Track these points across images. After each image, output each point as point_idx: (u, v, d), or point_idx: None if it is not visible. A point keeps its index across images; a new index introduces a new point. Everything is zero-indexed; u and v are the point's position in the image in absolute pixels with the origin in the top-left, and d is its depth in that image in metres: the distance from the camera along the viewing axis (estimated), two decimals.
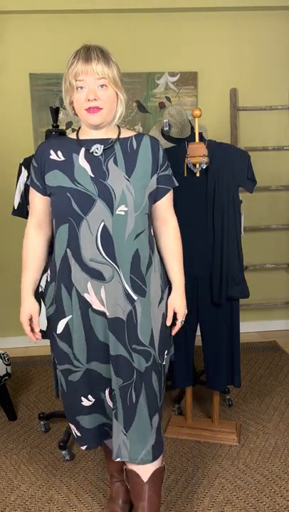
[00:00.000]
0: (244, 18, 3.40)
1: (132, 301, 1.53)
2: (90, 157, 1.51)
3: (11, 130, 3.37)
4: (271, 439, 2.36)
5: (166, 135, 2.44)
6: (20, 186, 2.21)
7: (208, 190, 2.10)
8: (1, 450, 2.34)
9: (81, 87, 1.46)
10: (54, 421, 2.56)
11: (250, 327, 3.75)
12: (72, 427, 1.71)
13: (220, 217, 2.11)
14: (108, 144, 1.52)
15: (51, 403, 2.78)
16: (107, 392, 1.62)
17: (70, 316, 1.56)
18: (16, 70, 3.31)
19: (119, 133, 1.56)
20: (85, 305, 1.54)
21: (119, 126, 1.59)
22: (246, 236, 3.39)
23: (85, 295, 1.53)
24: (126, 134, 1.58)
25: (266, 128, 3.56)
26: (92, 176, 1.49)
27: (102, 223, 1.47)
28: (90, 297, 1.53)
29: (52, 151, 1.54)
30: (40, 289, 2.26)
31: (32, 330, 1.63)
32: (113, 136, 1.55)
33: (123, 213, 1.47)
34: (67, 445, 2.27)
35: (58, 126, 2.29)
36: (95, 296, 1.52)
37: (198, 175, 2.09)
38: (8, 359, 2.53)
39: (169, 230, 1.64)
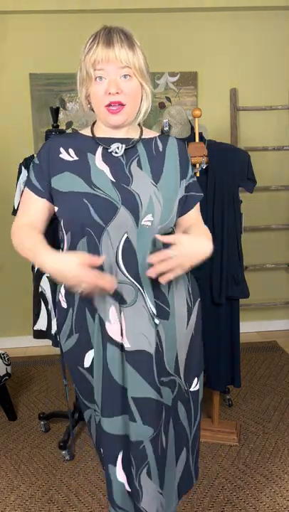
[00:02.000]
0: (244, 18, 3.40)
1: (155, 327, 1.29)
2: (108, 158, 1.28)
3: (11, 130, 3.37)
4: (271, 439, 2.36)
5: (166, 135, 2.44)
6: (21, 186, 2.21)
7: (208, 190, 2.10)
8: (1, 450, 2.34)
9: (100, 78, 1.21)
10: (54, 421, 2.56)
11: (250, 327, 3.75)
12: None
13: (220, 217, 2.11)
14: (130, 144, 1.30)
15: (51, 403, 2.78)
16: (119, 460, 1.32)
17: (93, 351, 1.31)
18: (16, 70, 3.31)
19: (142, 132, 1.34)
20: (105, 339, 1.28)
21: (141, 126, 1.36)
22: (246, 236, 3.39)
23: (107, 325, 1.27)
24: (149, 134, 1.36)
25: (266, 128, 3.56)
26: (113, 180, 1.25)
27: (125, 235, 1.23)
28: (111, 327, 1.27)
29: (62, 149, 1.30)
30: (40, 289, 2.27)
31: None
32: (135, 135, 1.32)
33: (149, 224, 1.24)
34: (67, 445, 2.27)
35: (58, 126, 2.29)
36: (117, 325, 1.26)
37: (198, 175, 2.09)
38: (8, 359, 2.53)
39: (198, 231, 1.36)
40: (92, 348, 1.32)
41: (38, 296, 2.26)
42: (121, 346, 1.27)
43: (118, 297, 1.25)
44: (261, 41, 3.45)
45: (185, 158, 1.36)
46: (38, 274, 2.23)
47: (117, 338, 1.27)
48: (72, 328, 1.34)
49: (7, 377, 2.51)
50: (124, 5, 3.23)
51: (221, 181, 2.09)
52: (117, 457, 1.32)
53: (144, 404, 1.28)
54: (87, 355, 1.33)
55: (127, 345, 1.27)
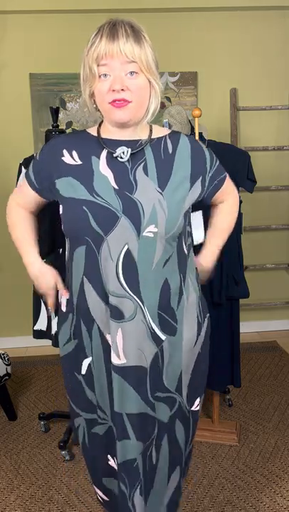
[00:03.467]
0: (244, 18, 3.40)
1: (158, 342, 1.24)
2: (113, 162, 1.20)
3: (11, 130, 3.37)
4: (271, 439, 2.36)
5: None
6: None
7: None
8: (1, 450, 2.34)
9: (104, 75, 1.12)
10: (54, 421, 2.56)
11: (250, 327, 3.75)
12: (97, 490, 1.43)
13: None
14: (137, 148, 1.21)
15: (51, 403, 2.78)
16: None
17: (91, 359, 1.29)
18: (16, 70, 3.31)
19: (151, 133, 1.24)
20: (107, 348, 1.25)
21: (150, 125, 1.26)
22: (246, 236, 3.39)
23: (108, 337, 1.24)
24: (158, 132, 1.26)
25: (266, 128, 3.56)
26: (116, 187, 1.19)
27: (126, 247, 1.17)
28: (111, 339, 1.24)
29: (65, 151, 1.24)
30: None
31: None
32: (143, 136, 1.23)
33: (152, 235, 1.17)
34: (67, 445, 2.27)
35: (58, 126, 2.29)
36: (114, 341, 1.23)
37: None
38: (8, 359, 2.53)
39: (221, 207, 1.40)
40: (86, 358, 1.30)
41: (38, 296, 2.25)
42: (113, 365, 1.25)
43: (116, 311, 1.21)
44: (261, 41, 3.45)
45: (200, 157, 1.27)
46: None
47: (114, 357, 1.25)
48: (71, 334, 1.32)
49: (7, 377, 2.51)
50: (125, 5, 3.23)
51: None
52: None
53: (139, 420, 1.26)
54: (84, 362, 1.31)
55: (122, 362, 1.23)
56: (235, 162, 2.10)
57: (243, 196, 2.34)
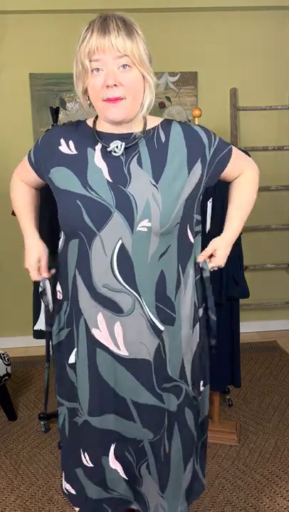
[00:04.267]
0: (244, 18, 3.40)
1: (159, 333, 1.24)
2: (107, 155, 1.20)
3: (11, 130, 3.37)
4: (271, 439, 2.36)
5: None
6: None
7: (208, 190, 2.09)
8: (1, 450, 2.34)
9: (97, 69, 1.11)
10: (54, 421, 2.56)
11: (250, 327, 3.75)
12: (65, 484, 1.42)
13: (220, 217, 2.10)
14: (131, 141, 1.20)
15: (51, 403, 2.78)
16: (112, 448, 1.32)
17: (75, 350, 1.30)
18: (16, 70, 3.31)
19: (145, 126, 1.23)
20: (93, 343, 1.25)
21: (144, 117, 1.24)
22: (246, 236, 3.39)
23: (94, 331, 1.24)
24: (152, 122, 1.25)
25: (266, 128, 3.56)
26: (110, 180, 1.18)
27: (120, 242, 1.17)
28: (101, 334, 1.24)
29: (62, 140, 1.24)
30: (40, 289, 2.26)
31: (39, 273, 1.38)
32: (137, 129, 1.22)
33: (146, 230, 1.17)
34: None
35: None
36: (107, 333, 1.23)
37: None
38: (8, 359, 2.53)
39: (238, 180, 1.37)
40: (74, 348, 1.31)
41: (38, 296, 2.25)
42: (117, 356, 1.25)
43: (113, 305, 1.21)
44: (261, 41, 3.45)
45: (195, 137, 1.24)
46: None
47: (107, 344, 1.24)
48: (65, 322, 1.34)
49: (7, 377, 2.51)
50: (125, 5, 3.22)
51: (221, 181, 2.08)
52: (110, 449, 1.32)
53: (145, 409, 1.27)
54: (73, 352, 1.32)
55: (124, 354, 1.24)
56: None
57: None
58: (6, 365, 2.50)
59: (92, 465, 1.33)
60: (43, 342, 2.38)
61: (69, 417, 1.36)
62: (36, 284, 2.24)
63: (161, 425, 1.30)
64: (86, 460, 1.34)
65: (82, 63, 1.13)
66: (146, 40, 1.19)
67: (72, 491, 1.40)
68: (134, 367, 1.24)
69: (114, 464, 1.33)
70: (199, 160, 1.24)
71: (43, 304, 2.24)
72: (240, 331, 2.30)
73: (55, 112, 2.29)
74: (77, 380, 1.31)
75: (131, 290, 1.20)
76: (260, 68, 3.48)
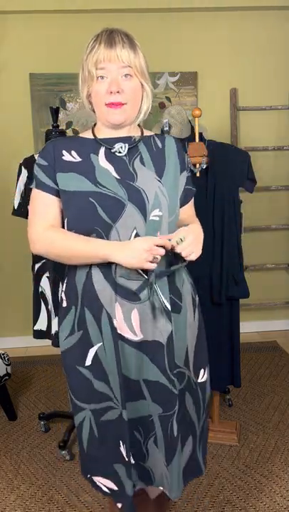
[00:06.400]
0: (244, 18, 3.40)
1: (170, 319, 1.31)
2: (111, 157, 1.31)
3: (11, 130, 3.37)
4: (271, 439, 2.36)
5: (161, 134, 2.44)
6: (20, 186, 2.21)
7: (209, 190, 2.10)
8: (1, 450, 2.34)
9: (102, 77, 1.25)
10: (54, 421, 2.56)
11: (250, 327, 3.75)
12: (104, 481, 1.40)
13: (220, 217, 2.11)
14: (132, 143, 1.33)
15: (51, 403, 2.78)
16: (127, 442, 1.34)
17: (100, 344, 1.30)
18: (16, 70, 3.31)
19: (142, 131, 1.38)
20: (115, 333, 1.29)
21: (140, 125, 1.40)
22: (246, 236, 3.39)
23: (114, 321, 1.28)
24: (147, 133, 1.40)
25: (266, 128, 3.56)
26: (118, 177, 1.28)
27: (135, 231, 1.25)
28: (118, 323, 1.28)
29: (64, 152, 1.31)
30: (40, 289, 2.27)
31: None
32: (135, 134, 1.36)
33: (157, 219, 1.27)
34: (68, 445, 2.27)
35: (58, 126, 2.29)
36: (124, 322, 1.28)
37: (198, 175, 2.09)
38: (8, 359, 2.53)
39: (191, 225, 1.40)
40: (92, 346, 1.31)
41: (38, 296, 2.26)
42: (134, 343, 1.29)
43: (131, 294, 1.27)
44: (261, 41, 3.45)
45: (182, 154, 1.41)
46: (38, 275, 2.23)
47: (124, 332, 1.28)
48: (75, 326, 1.33)
49: (7, 377, 2.51)
50: (124, 5, 3.23)
51: (221, 181, 2.09)
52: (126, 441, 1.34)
53: (155, 386, 1.32)
54: (90, 351, 1.31)
55: (140, 337, 1.29)
56: (236, 162, 2.10)
57: (243, 196, 2.34)
58: (6, 365, 2.51)
59: (127, 459, 1.35)
60: (43, 342, 2.39)
61: (95, 419, 1.36)
62: (36, 283, 2.25)
63: (172, 406, 1.34)
64: (124, 455, 1.35)
65: (88, 70, 1.26)
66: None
67: (115, 487, 1.39)
68: (148, 348, 1.30)
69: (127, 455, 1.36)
70: (184, 173, 1.41)
71: (43, 304, 2.26)
72: (240, 331, 2.30)
73: (55, 112, 2.29)
74: (107, 371, 1.31)
75: (147, 277, 1.27)
76: (260, 68, 3.48)
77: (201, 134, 2.15)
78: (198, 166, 2.06)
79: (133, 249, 1.21)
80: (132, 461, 1.38)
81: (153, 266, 1.23)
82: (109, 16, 3.27)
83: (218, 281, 2.13)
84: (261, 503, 1.92)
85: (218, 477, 2.09)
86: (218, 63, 3.44)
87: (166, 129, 2.40)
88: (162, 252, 1.22)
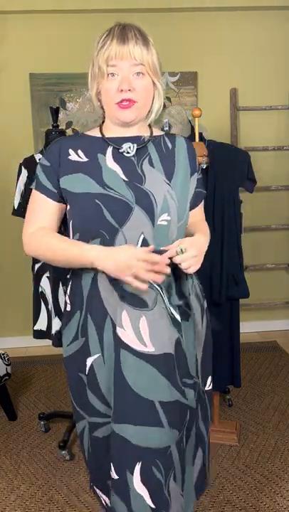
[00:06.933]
0: (244, 18, 3.40)
1: (178, 327, 1.25)
2: (119, 158, 1.25)
3: (11, 130, 3.37)
4: (271, 439, 2.36)
5: (172, 134, 2.44)
6: (20, 186, 2.21)
7: (209, 190, 2.10)
8: (1, 450, 2.34)
9: (112, 74, 1.19)
10: (54, 421, 2.56)
11: (250, 327, 3.75)
12: (102, 495, 1.35)
13: (220, 217, 2.11)
14: (141, 143, 1.27)
15: (51, 403, 2.78)
16: (137, 468, 1.21)
17: (98, 355, 1.24)
18: (16, 70, 3.31)
19: (152, 131, 1.31)
20: (117, 343, 1.21)
21: (150, 125, 1.32)
22: (246, 236, 3.39)
23: (118, 330, 1.21)
24: (157, 132, 1.34)
25: (266, 128, 3.56)
26: (126, 179, 1.22)
27: (142, 236, 1.20)
28: (125, 333, 1.20)
29: (71, 151, 1.26)
30: (40, 289, 2.27)
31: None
32: (145, 133, 1.29)
33: (166, 223, 1.22)
34: (67, 445, 2.27)
35: (58, 126, 2.29)
36: (132, 332, 1.20)
37: None
38: (8, 359, 2.53)
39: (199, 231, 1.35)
40: (91, 356, 1.25)
41: (38, 296, 2.26)
42: (142, 355, 1.20)
43: (138, 301, 1.20)
44: (261, 41, 3.45)
45: (193, 155, 1.35)
46: (38, 275, 2.23)
47: (132, 343, 1.20)
48: (79, 332, 1.28)
49: (7, 377, 2.51)
50: (124, 5, 3.23)
51: (221, 181, 2.09)
52: (134, 468, 1.21)
53: (171, 407, 1.23)
54: (88, 360, 1.26)
55: (151, 350, 1.21)
56: (236, 162, 2.10)
57: (243, 196, 2.34)
58: (6, 365, 2.50)
59: (117, 477, 1.24)
60: (43, 342, 2.39)
61: (89, 432, 1.31)
62: (36, 283, 2.25)
63: (183, 421, 1.28)
64: (112, 472, 1.25)
65: (99, 67, 1.19)
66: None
67: (110, 504, 1.32)
68: (158, 363, 1.21)
69: (139, 487, 1.22)
70: (195, 175, 1.35)
71: (43, 304, 2.26)
72: (240, 331, 2.30)
73: (55, 112, 2.29)
74: (102, 386, 1.25)
75: (154, 284, 1.21)
76: (260, 68, 3.48)
77: (201, 134, 2.15)
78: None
79: (116, 260, 1.14)
80: (149, 504, 1.25)
81: (134, 282, 1.13)
82: (109, 16, 3.26)
83: (218, 281, 2.13)
84: (261, 503, 1.92)
85: (218, 477, 2.09)
86: (218, 63, 3.44)
87: (166, 129, 2.40)
88: (154, 278, 1.14)
